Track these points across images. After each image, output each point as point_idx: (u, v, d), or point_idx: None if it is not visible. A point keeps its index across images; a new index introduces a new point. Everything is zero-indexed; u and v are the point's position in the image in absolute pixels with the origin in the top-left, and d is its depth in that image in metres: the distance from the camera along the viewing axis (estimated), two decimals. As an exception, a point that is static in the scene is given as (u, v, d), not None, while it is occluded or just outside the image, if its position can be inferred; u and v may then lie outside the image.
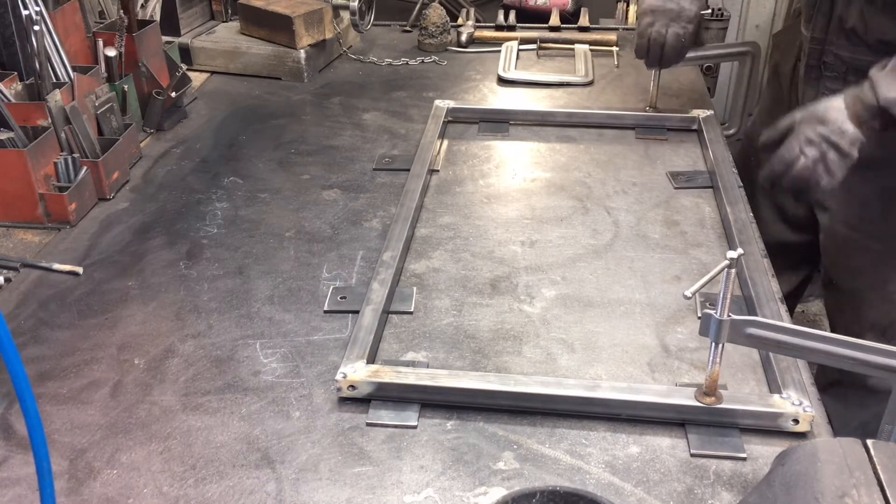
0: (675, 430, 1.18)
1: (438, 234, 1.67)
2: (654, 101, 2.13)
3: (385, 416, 1.20)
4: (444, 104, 2.15)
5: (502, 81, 2.42)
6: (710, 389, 1.16)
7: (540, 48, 2.63)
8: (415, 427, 1.18)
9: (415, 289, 1.49)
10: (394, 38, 2.85)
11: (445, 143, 2.06)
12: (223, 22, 2.73)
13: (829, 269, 2.15)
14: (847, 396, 2.01)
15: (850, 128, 1.61)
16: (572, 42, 2.68)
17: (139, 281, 1.53)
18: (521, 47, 2.65)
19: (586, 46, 2.62)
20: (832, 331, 2.29)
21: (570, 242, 1.64)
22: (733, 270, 1.05)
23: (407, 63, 2.61)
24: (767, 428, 1.16)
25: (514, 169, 1.93)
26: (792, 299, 2.41)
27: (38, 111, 1.70)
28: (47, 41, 1.78)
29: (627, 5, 3.00)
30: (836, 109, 1.63)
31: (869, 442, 0.88)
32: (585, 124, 2.13)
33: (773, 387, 1.23)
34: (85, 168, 1.73)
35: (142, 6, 2.25)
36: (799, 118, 1.66)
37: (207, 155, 2.02)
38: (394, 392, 1.22)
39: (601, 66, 2.54)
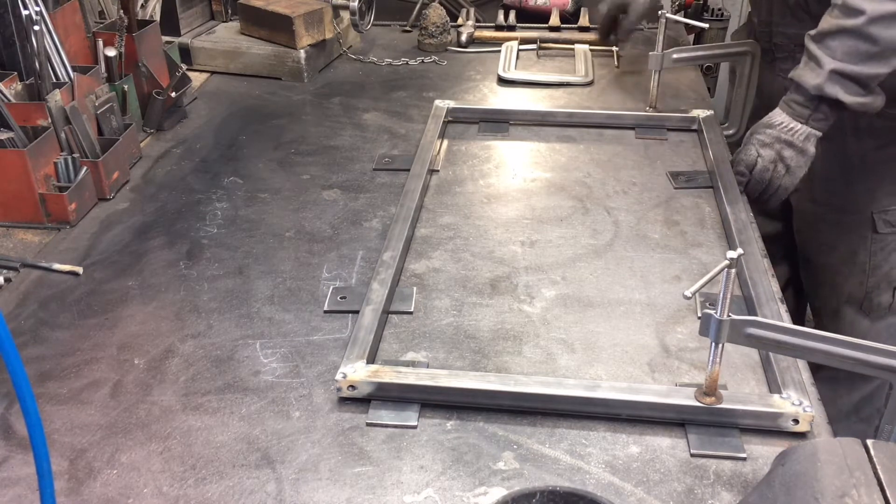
0: (675, 430, 1.18)
1: (438, 234, 1.67)
2: (654, 101, 2.13)
3: (385, 416, 1.20)
4: (444, 104, 2.15)
5: (502, 81, 2.42)
6: (710, 389, 1.16)
7: (540, 48, 2.63)
8: (415, 427, 1.18)
9: (415, 289, 1.49)
10: (394, 38, 2.85)
11: (445, 143, 2.06)
12: (223, 22, 2.73)
13: (803, 248, 2.21)
14: (837, 379, 2.03)
15: (797, 125, 1.69)
16: (572, 42, 2.68)
17: (139, 281, 1.53)
18: (521, 47, 2.65)
19: (586, 46, 2.62)
20: (812, 310, 2.35)
21: (570, 242, 1.64)
22: (733, 270, 1.05)
23: (407, 63, 2.61)
24: (767, 428, 1.16)
25: (514, 169, 1.93)
26: (785, 297, 2.43)
27: (38, 111, 1.70)
28: (47, 41, 1.78)
29: (627, 5, 2.99)
30: (778, 114, 1.73)
31: (869, 442, 0.88)
32: (585, 124, 2.13)
33: (773, 387, 1.23)
34: (85, 168, 1.73)
35: (142, 6, 2.25)
36: (751, 129, 1.77)
37: (207, 155, 2.02)
38: (394, 392, 1.22)
39: (601, 66, 2.54)
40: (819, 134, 1.69)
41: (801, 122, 1.68)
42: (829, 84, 1.61)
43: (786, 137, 1.69)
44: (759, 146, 1.72)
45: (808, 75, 1.65)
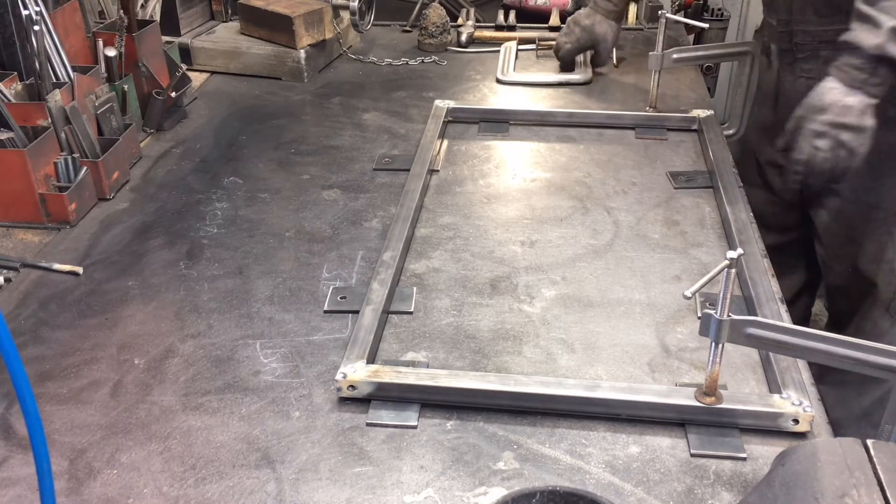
0: (675, 430, 1.18)
1: (438, 234, 1.67)
2: (654, 101, 2.13)
3: (385, 416, 1.20)
4: (444, 104, 2.15)
5: (501, 83, 2.42)
6: (710, 389, 1.16)
7: (538, 47, 2.63)
8: (415, 427, 1.18)
9: (415, 289, 1.49)
10: (394, 38, 2.85)
11: (445, 143, 2.06)
12: (223, 22, 2.73)
13: (828, 249, 2.10)
14: (845, 383, 1.99)
15: (851, 99, 1.61)
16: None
17: (139, 281, 1.53)
18: (521, 47, 2.64)
19: None
20: (832, 316, 2.23)
21: (570, 242, 1.64)
22: (733, 270, 1.05)
23: (407, 63, 2.61)
24: (767, 428, 1.16)
25: (514, 169, 1.93)
26: (796, 306, 2.37)
27: (38, 111, 1.70)
28: (47, 41, 1.78)
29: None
30: (829, 90, 1.64)
31: (869, 442, 0.88)
32: (585, 124, 2.13)
33: (773, 387, 1.23)
34: (85, 168, 1.73)
35: (142, 6, 2.25)
36: (800, 114, 1.65)
37: (207, 155, 2.02)
38: (394, 392, 1.22)
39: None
40: (875, 101, 1.60)
41: (856, 90, 1.60)
42: (891, 43, 1.54)
43: (840, 121, 1.60)
44: (812, 137, 1.62)
45: (865, 36, 1.57)
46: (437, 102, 2.17)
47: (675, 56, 2.09)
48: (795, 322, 1.37)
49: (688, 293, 1.09)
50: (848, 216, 2.01)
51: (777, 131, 2.06)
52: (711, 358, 1.13)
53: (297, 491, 1.08)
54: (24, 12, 1.72)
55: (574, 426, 1.19)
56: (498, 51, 2.61)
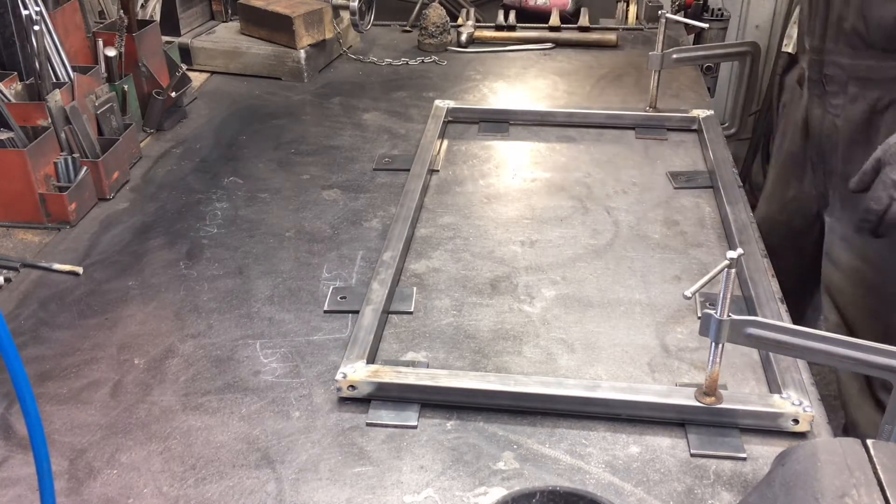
0: (675, 430, 1.18)
1: (438, 234, 1.67)
2: (654, 101, 2.13)
3: (385, 416, 1.20)
4: (444, 104, 2.15)
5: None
6: (710, 389, 1.16)
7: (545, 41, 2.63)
8: (415, 427, 1.18)
9: (415, 289, 1.49)
10: (394, 38, 2.85)
11: (445, 143, 2.06)
12: (223, 22, 2.73)
13: (841, 313, 1.95)
14: None
15: None
16: (572, 42, 2.68)
17: (139, 281, 1.53)
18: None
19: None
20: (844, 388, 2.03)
21: (570, 242, 1.64)
22: (733, 270, 1.05)
23: (407, 63, 2.61)
24: (767, 428, 1.16)
25: (514, 169, 1.93)
26: None
27: (38, 111, 1.70)
28: (47, 41, 1.78)
29: (627, 5, 3.01)
30: None
31: (869, 442, 0.88)
32: (585, 124, 2.12)
33: (773, 387, 1.23)
34: (85, 168, 1.73)
35: (142, 6, 2.25)
36: (881, 157, 1.52)
37: (207, 155, 2.02)
38: (394, 392, 1.22)
39: (601, 65, 2.54)
40: None
41: None
42: None
43: None
44: (892, 188, 1.48)
45: None
46: (437, 102, 2.17)
47: (675, 56, 2.09)
48: None
49: (688, 293, 1.09)
50: (858, 279, 1.86)
51: (805, 166, 2.00)
52: (711, 358, 1.13)
53: (297, 491, 1.08)
54: (24, 12, 1.72)
55: (574, 426, 1.19)
56: (498, 51, 2.61)
